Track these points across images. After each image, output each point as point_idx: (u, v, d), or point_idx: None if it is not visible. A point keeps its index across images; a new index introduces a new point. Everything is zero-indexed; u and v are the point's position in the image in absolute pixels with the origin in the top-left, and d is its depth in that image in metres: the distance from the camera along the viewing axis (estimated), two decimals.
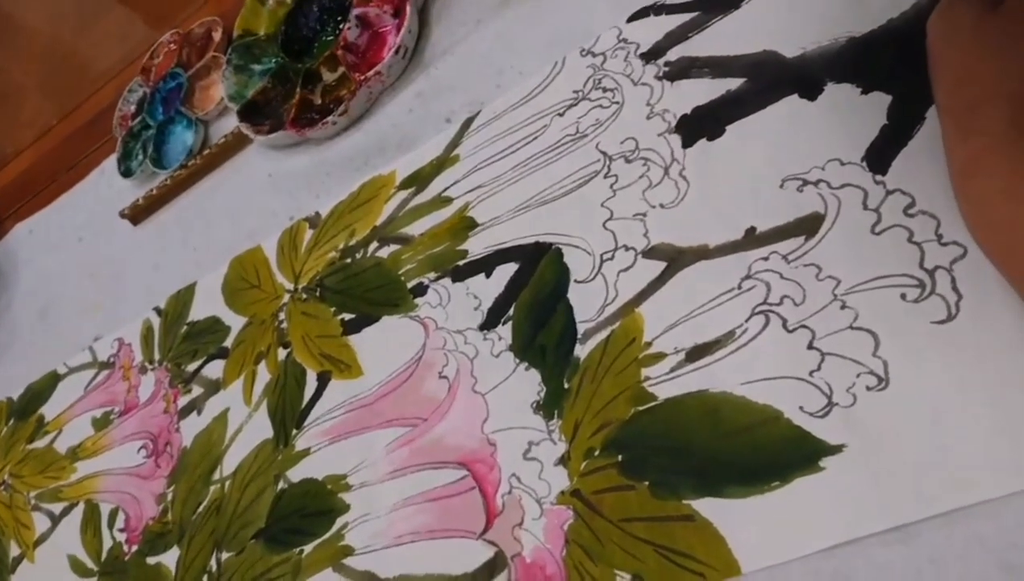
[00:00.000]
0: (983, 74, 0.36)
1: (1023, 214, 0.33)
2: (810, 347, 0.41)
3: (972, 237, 0.35)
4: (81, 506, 0.72)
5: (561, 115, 0.56)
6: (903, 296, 0.40)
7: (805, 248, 0.43)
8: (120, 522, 0.68)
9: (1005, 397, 0.36)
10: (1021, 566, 0.34)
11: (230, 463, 0.62)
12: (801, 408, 0.40)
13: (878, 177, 0.42)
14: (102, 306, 0.81)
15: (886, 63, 0.44)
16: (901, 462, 0.37)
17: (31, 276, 0.93)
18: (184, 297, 0.73)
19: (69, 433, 0.77)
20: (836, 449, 0.39)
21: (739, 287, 0.44)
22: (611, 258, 0.50)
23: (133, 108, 0.87)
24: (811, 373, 0.41)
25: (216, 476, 0.63)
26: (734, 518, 0.40)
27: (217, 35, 0.81)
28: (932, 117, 0.42)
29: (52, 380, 0.82)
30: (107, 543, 0.68)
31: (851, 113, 0.44)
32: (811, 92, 0.46)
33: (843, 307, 0.41)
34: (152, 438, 0.69)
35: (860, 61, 0.45)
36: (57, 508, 0.74)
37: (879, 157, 0.43)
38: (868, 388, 0.39)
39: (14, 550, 0.76)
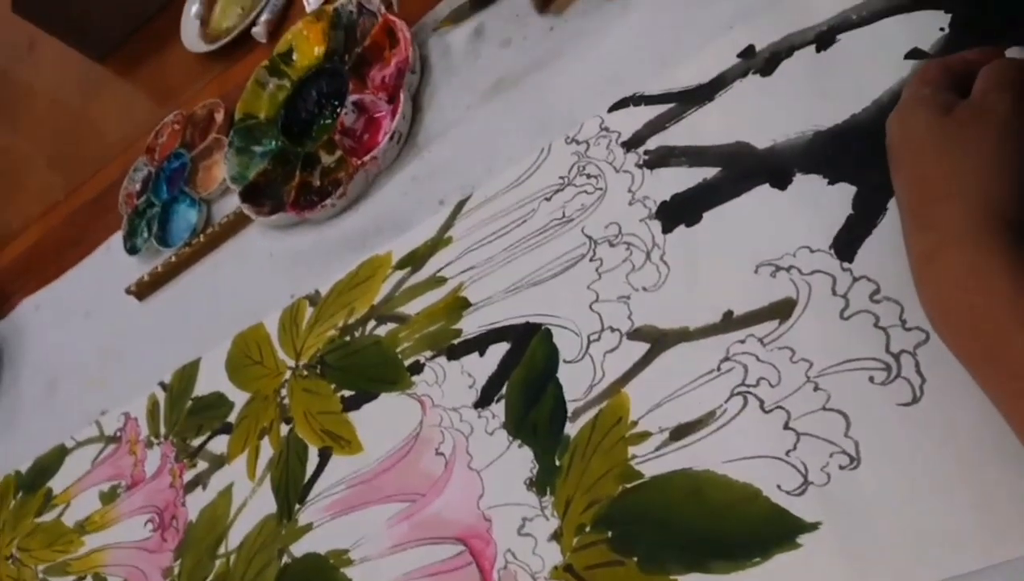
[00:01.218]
0: (937, 174, 0.38)
1: (975, 303, 0.35)
2: (786, 427, 0.44)
3: (930, 323, 0.38)
4: (89, 579, 0.74)
5: (548, 200, 0.58)
6: (871, 379, 0.42)
7: (779, 331, 0.46)
8: None
9: (971, 474, 0.38)
10: None
11: (235, 537, 0.64)
12: (779, 487, 0.43)
13: (845, 264, 0.45)
14: (108, 381, 0.83)
15: (851, 155, 0.47)
16: (875, 540, 0.39)
17: (38, 351, 0.95)
18: (189, 372, 0.75)
19: (77, 507, 0.79)
20: (812, 527, 0.41)
21: (718, 369, 0.47)
22: (598, 339, 0.52)
23: (138, 186, 0.90)
24: (787, 452, 0.43)
25: (221, 550, 0.65)
26: None
27: (219, 117, 0.85)
28: (894, 208, 0.44)
29: (59, 454, 0.84)
30: None
31: (819, 203, 0.47)
32: (781, 182, 0.49)
33: (816, 389, 0.43)
34: (158, 512, 0.71)
35: (827, 153, 0.48)
36: None
37: (846, 245, 0.45)
38: (841, 467, 0.41)
39: None
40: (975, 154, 0.37)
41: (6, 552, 0.84)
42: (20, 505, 0.85)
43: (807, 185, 0.48)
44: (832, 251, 0.46)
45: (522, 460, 0.52)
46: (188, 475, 0.70)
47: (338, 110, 0.74)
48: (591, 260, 0.55)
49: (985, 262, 0.35)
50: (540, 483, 0.51)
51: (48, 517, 0.81)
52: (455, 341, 0.59)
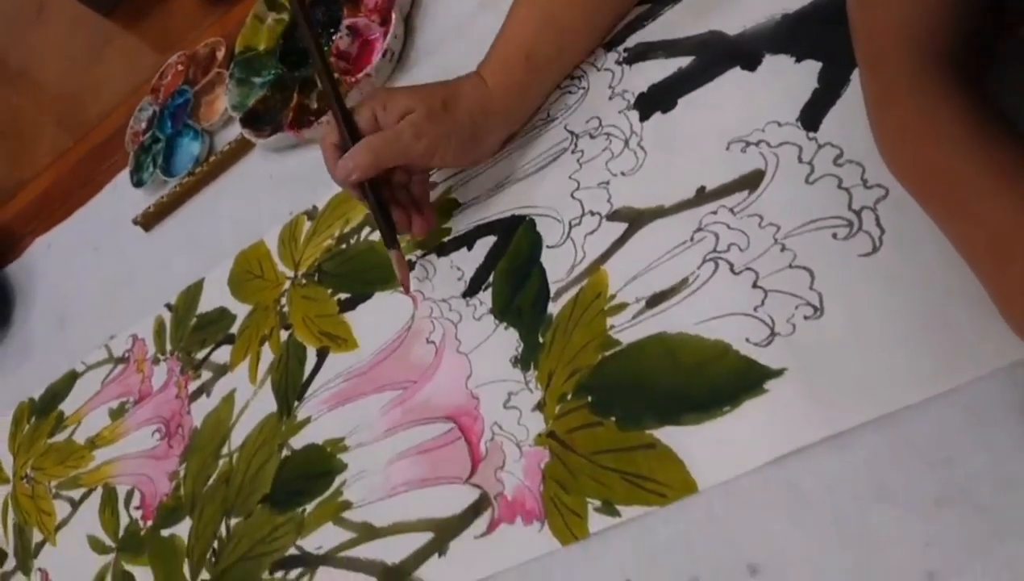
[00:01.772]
0: (890, 23, 0.41)
1: (928, 147, 0.37)
2: (754, 286, 0.46)
3: (884, 162, 0.40)
4: (99, 490, 0.77)
5: None
6: (834, 235, 0.44)
7: (749, 200, 0.48)
8: (136, 501, 0.73)
9: (924, 315, 0.40)
10: (943, 461, 0.38)
11: (237, 438, 0.67)
12: (747, 340, 0.45)
13: (811, 134, 0.47)
14: (117, 309, 0.86)
15: (816, 34, 0.49)
16: (836, 379, 0.42)
17: (49, 287, 0.98)
18: (193, 292, 0.78)
19: (87, 425, 0.82)
20: (778, 373, 0.43)
21: (691, 239, 0.49)
22: (579, 223, 0.54)
23: (144, 125, 0.93)
24: (755, 308, 0.45)
25: (224, 451, 0.67)
26: (690, 442, 0.45)
27: (220, 54, 0.87)
28: (856, 79, 0.46)
29: (70, 378, 0.86)
30: (124, 521, 0.73)
31: (787, 80, 0.49)
32: (751, 64, 0.51)
33: (783, 250, 0.46)
34: (165, 422, 0.74)
35: (794, 34, 0.50)
36: (77, 494, 0.79)
37: (811, 116, 0.48)
38: (806, 318, 0.44)
39: (36, 537, 0.81)
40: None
41: (21, 473, 0.87)
42: (33, 428, 0.88)
43: (775, 65, 0.50)
44: (799, 123, 0.48)
45: (508, 340, 0.54)
46: (193, 385, 0.73)
47: (334, 38, 0.76)
48: (572, 152, 0.57)
49: (935, 101, 0.37)
50: (524, 359, 0.53)
51: (60, 437, 0.84)
52: (444, 239, 0.61)
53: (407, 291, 0.60)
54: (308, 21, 0.58)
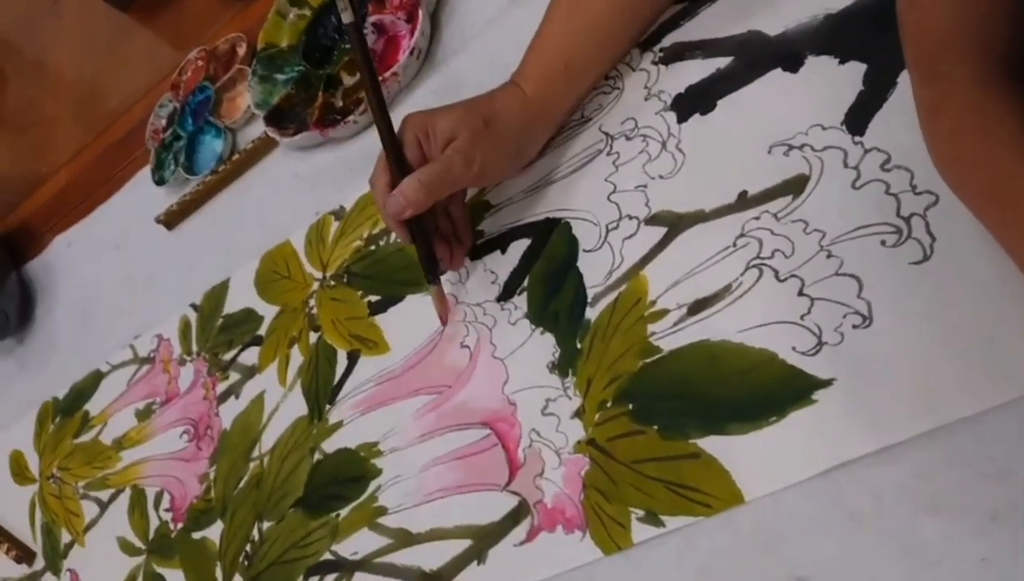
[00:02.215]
0: (943, 27, 0.40)
1: (982, 149, 0.36)
2: (800, 294, 0.45)
3: (938, 170, 0.39)
4: (128, 491, 0.77)
5: None
6: (883, 242, 0.44)
7: (793, 206, 0.47)
8: (166, 503, 0.72)
9: (976, 325, 0.40)
10: (997, 475, 0.38)
11: (268, 440, 0.67)
12: (794, 349, 0.44)
13: (856, 138, 0.46)
14: (140, 308, 0.86)
15: (861, 35, 0.48)
16: (885, 390, 0.41)
17: (72, 285, 0.97)
18: (219, 292, 0.77)
19: (114, 426, 0.82)
20: (826, 383, 0.43)
21: (734, 245, 0.48)
22: (616, 227, 0.54)
23: (164, 122, 0.92)
24: (802, 317, 0.45)
25: (255, 453, 0.67)
26: (736, 452, 0.44)
27: (242, 50, 0.87)
28: (904, 81, 0.46)
29: (96, 378, 0.86)
30: (154, 523, 0.73)
31: (830, 82, 0.49)
32: (793, 65, 0.50)
33: (829, 256, 0.45)
34: (193, 423, 0.74)
35: (837, 34, 0.49)
36: (105, 495, 0.79)
37: (857, 120, 0.47)
38: (854, 326, 0.43)
39: (65, 537, 0.81)
40: (973, 3, 0.38)
41: (47, 473, 0.87)
42: (58, 428, 0.87)
43: (819, 66, 0.49)
44: (844, 127, 0.47)
45: (544, 346, 0.54)
46: (221, 387, 0.73)
47: None
48: (608, 154, 0.56)
49: (991, 107, 0.36)
50: (562, 365, 0.53)
51: (86, 438, 0.84)
52: (478, 242, 0.61)
53: (444, 325, 0.60)
54: (367, 57, 0.57)
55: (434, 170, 0.53)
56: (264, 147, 0.80)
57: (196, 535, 0.68)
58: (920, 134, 0.40)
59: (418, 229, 0.55)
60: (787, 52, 0.51)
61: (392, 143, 0.55)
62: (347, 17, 0.54)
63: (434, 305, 0.59)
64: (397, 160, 0.55)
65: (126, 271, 0.90)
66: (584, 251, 0.55)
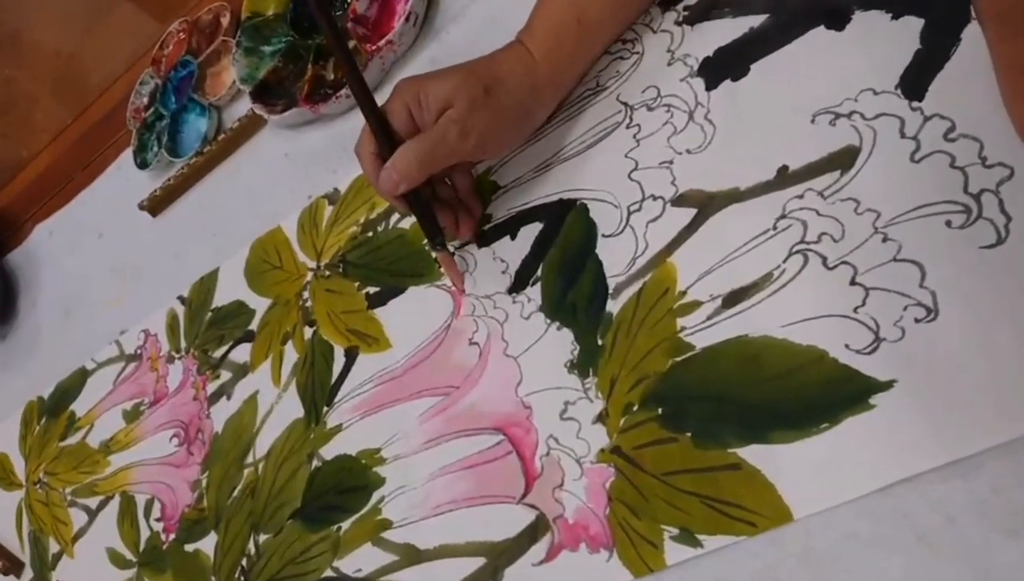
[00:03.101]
0: None
1: None
2: (853, 283, 0.40)
3: (1022, 137, 0.33)
4: (117, 499, 0.72)
5: None
6: (948, 223, 0.38)
7: (841, 182, 0.42)
8: (156, 512, 0.68)
9: None
10: None
11: (263, 445, 0.62)
12: (847, 346, 0.39)
13: (914, 104, 0.41)
14: (126, 300, 0.81)
15: None
16: (957, 394, 0.36)
17: (54, 276, 0.93)
18: (207, 283, 0.72)
19: (101, 427, 0.77)
20: (886, 385, 0.38)
21: (774, 228, 0.43)
22: (638, 209, 0.48)
23: (146, 100, 0.86)
24: (855, 309, 0.39)
25: (249, 459, 0.62)
26: (783, 464, 0.39)
27: (225, 20, 0.81)
28: (969, 37, 0.40)
29: (81, 376, 0.82)
30: (144, 533, 0.68)
31: (882, 40, 0.43)
32: (838, 22, 0.44)
33: (885, 240, 0.40)
34: (183, 426, 0.69)
35: None
36: (93, 502, 0.74)
37: (914, 83, 0.41)
38: (917, 320, 0.38)
39: (53, 547, 0.77)
40: None
41: (33, 477, 0.82)
42: (44, 430, 0.83)
43: (868, 22, 0.44)
44: (899, 91, 0.41)
45: (561, 342, 0.49)
46: (212, 386, 0.68)
47: (347, 0, 0.69)
48: (628, 127, 0.50)
49: None
50: (582, 364, 0.48)
51: (72, 440, 0.79)
52: (484, 226, 0.55)
53: (462, 292, 0.54)
54: (328, 15, 0.50)
55: (426, 141, 0.48)
56: (251, 126, 0.74)
57: (189, 547, 0.64)
58: (992, 98, 0.35)
59: (414, 197, 0.51)
60: (830, 7, 0.45)
61: (370, 108, 0.50)
62: None
63: (446, 272, 0.54)
64: (382, 129, 0.50)
65: (110, 261, 0.85)
66: (603, 236, 0.49)
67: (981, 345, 0.36)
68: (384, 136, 0.50)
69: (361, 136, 0.51)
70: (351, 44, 0.67)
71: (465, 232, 0.54)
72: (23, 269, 0.97)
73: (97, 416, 0.78)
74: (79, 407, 0.80)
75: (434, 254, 0.54)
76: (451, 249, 0.55)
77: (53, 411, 0.83)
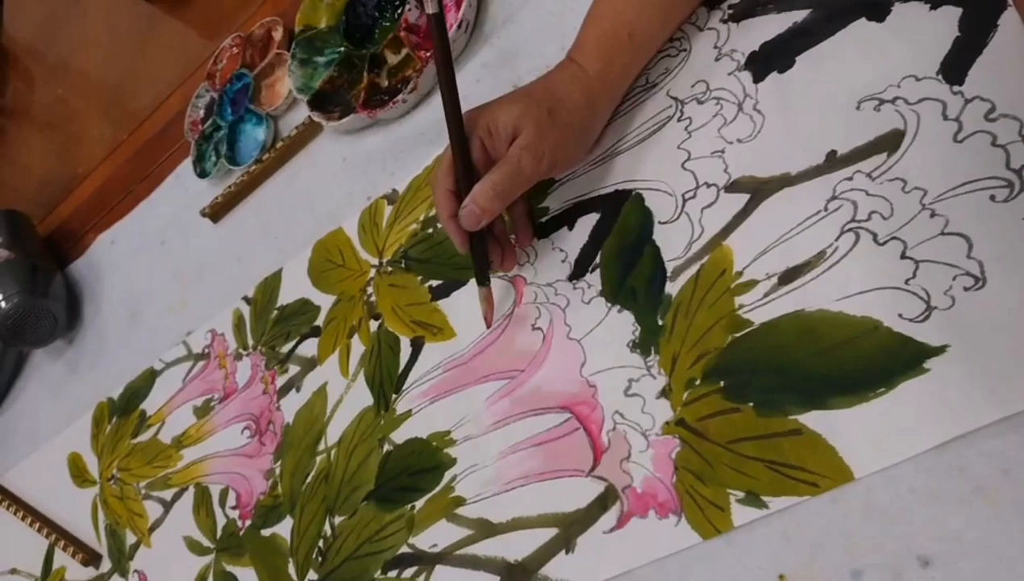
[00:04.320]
0: None
1: None
2: (903, 257, 0.42)
3: None
4: (191, 490, 0.76)
5: None
6: (992, 197, 0.41)
7: (888, 164, 0.44)
8: (232, 500, 0.71)
9: None
10: None
11: (334, 433, 0.65)
12: (900, 315, 0.42)
13: (955, 88, 0.43)
14: (190, 302, 0.85)
15: None
16: (1006, 355, 0.38)
17: (117, 283, 0.96)
18: (271, 283, 0.76)
19: (172, 424, 0.81)
20: (939, 350, 0.40)
21: (825, 209, 0.46)
22: (693, 197, 0.51)
23: (202, 113, 0.90)
24: (907, 281, 0.42)
25: (321, 447, 0.65)
26: (842, 427, 0.42)
27: (278, 34, 0.84)
28: (1006, 23, 0.43)
29: (150, 376, 0.85)
30: (221, 521, 0.72)
31: (921, 29, 0.45)
32: (879, 14, 0.47)
33: (933, 215, 0.42)
34: (254, 419, 0.72)
35: None
36: (168, 494, 0.78)
37: (954, 68, 0.44)
38: (966, 289, 0.40)
39: (130, 538, 0.80)
40: None
41: (107, 474, 0.86)
42: (116, 429, 0.87)
43: (907, 13, 0.46)
44: (940, 76, 0.44)
45: (623, 324, 0.52)
46: (280, 380, 0.71)
47: (399, 10, 0.73)
48: (679, 120, 0.53)
49: None
50: (644, 344, 0.50)
51: (144, 437, 0.83)
52: (543, 219, 0.58)
53: (488, 327, 0.58)
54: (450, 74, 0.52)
55: (504, 173, 0.50)
56: (309, 132, 0.78)
57: (265, 532, 0.67)
58: None
59: (475, 235, 0.53)
60: (870, 0, 0.48)
61: (462, 148, 0.52)
62: (431, 7, 0.49)
63: (480, 306, 0.57)
64: (464, 164, 0.52)
65: (173, 266, 0.89)
66: (660, 223, 0.52)
67: None
68: (465, 168, 0.52)
69: (437, 171, 0.54)
70: (403, 52, 0.71)
71: (509, 266, 0.57)
72: (86, 278, 1.01)
73: (168, 413, 0.82)
74: (149, 406, 0.84)
75: (479, 289, 0.57)
76: (511, 240, 0.58)
77: (124, 410, 0.87)
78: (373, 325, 0.65)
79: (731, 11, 0.53)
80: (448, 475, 0.57)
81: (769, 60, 0.51)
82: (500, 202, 0.51)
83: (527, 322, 0.57)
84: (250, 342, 0.76)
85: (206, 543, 0.72)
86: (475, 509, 0.55)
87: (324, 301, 0.70)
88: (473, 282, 0.60)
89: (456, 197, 0.52)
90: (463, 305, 0.61)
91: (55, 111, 1.27)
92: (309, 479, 0.65)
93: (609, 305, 0.53)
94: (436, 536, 0.56)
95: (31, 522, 0.90)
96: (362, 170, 0.72)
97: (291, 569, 0.64)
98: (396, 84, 0.71)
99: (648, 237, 0.52)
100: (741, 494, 0.44)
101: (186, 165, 0.90)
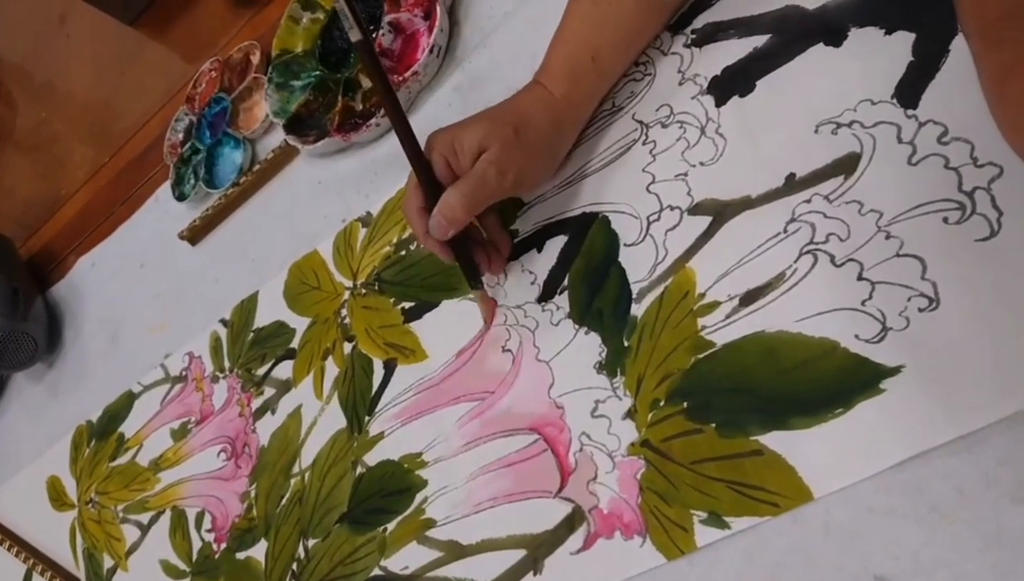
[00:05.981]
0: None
1: None
2: (860, 278, 0.43)
3: (1008, 140, 0.37)
4: (168, 513, 0.76)
5: None
6: (945, 219, 0.41)
7: (845, 186, 0.45)
8: (207, 523, 0.71)
9: None
10: None
11: (308, 455, 0.65)
12: (857, 336, 0.42)
13: (910, 111, 0.44)
14: (169, 325, 0.85)
15: (906, 3, 0.46)
16: (960, 375, 0.39)
17: (98, 305, 0.96)
18: (248, 306, 0.76)
19: (149, 447, 0.81)
20: (895, 371, 0.41)
21: (785, 231, 0.46)
22: (657, 219, 0.52)
23: (181, 136, 0.91)
24: (863, 302, 0.43)
25: (296, 469, 0.66)
26: (801, 447, 0.42)
27: (255, 58, 0.85)
28: (957, 49, 0.43)
29: (128, 399, 0.85)
30: (196, 544, 0.71)
31: (877, 54, 0.46)
32: (836, 39, 0.48)
33: (888, 237, 0.43)
34: (230, 442, 0.72)
35: (880, 4, 0.47)
36: (145, 518, 0.78)
37: (909, 92, 0.45)
38: (920, 310, 0.41)
39: (108, 562, 0.80)
40: None
41: (85, 498, 0.86)
42: (94, 452, 0.87)
43: (863, 38, 0.47)
44: (895, 100, 0.45)
45: (590, 346, 0.52)
46: (256, 403, 0.71)
47: (374, 34, 0.73)
48: (644, 143, 0.54)
49: None
50: (610, 365, 0.51)
51: (122, 460, 0.83)
52: (514, 241, 0.59)
53: (488, 328, 0.58)
54: (385, 82, 0.53)
55: (469, 185, 0.51)
56: (285, 156, 0.78)
57: (240, 555, 0.67)
58: (980, 103, 0.38)
59: (455, 242, 0.54)
60: (828, 26, 0.49)
61: (420, 164, 0.53)
62: (354, 36, 0.50)
63: (479, 308, 0.58)
64: (428, 181, 0.53)
65: (152, 289, 0.89)
66: (625, 245, 0.53)
67: (980, 329, 0.39)
68: (430, 186, 0.53)
69: (406, 194, 0.55)
70: None
71: (497, 269, 0.58)
72: (67, 300, 1.01)
73: (145, 436, 0.81)
74: (127, 428, 0.84)
75: (471, 294, 0.57)
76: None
77: (102, 434, 0.86)
78: (347, 347, 0.66)
79: (694, 36, 0.54)
80: (419, 497, 0.57)
81: (731, 84, 0.51)
82: (465, 212, 0.51)
83: (497, 344, 0.57)
84: (227, 364, 0.76)
85: (182, 566, 0.72)
86: (445, 531, 0.55)
87: (299, 323, 0.71)
88: (445, 304, 0.61)
89: (428, 214, 0.53)
90: (435, 327, 0.61)
91: (39, 133, 1.28)
92: (284, 501, 0.65)
93: (577, 327, 0.53)
94: (407, 559, 0.56)
95: (9, 546, 0.90)
96: (337, 193, 0.73)
97: None
98: (370, 108, 0.72)
99: (614, 259, 0.53)
100: (704, 515, 0.44)
101: (165, 188, 0.90)
